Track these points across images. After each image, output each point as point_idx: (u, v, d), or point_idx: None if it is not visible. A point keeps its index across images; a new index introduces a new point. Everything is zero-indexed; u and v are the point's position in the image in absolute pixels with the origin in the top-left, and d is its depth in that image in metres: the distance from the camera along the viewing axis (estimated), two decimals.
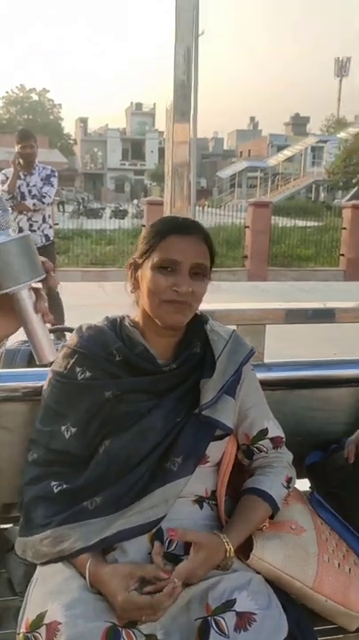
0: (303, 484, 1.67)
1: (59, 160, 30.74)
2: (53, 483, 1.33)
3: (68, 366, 1.35)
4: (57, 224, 12.95)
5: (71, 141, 59.90)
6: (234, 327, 1.57)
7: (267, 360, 1.77)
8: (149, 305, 1.32)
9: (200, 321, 1.44)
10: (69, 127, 63.76)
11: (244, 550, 1.32)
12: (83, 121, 61.90)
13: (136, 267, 1.36)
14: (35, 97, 59.48)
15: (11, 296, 0.85)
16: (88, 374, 1.33)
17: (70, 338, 1.42)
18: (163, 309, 1.30)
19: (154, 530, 1.27)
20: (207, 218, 17.16)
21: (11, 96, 58.67)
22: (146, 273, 1.32)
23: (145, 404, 1.33)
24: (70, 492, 1.32)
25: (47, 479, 1.34)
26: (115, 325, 1.41)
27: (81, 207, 24.55)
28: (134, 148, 59.20)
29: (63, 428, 1.33)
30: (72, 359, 1.35)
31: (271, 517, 1.38)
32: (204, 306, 1.45)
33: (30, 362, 1.65)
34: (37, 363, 0.89)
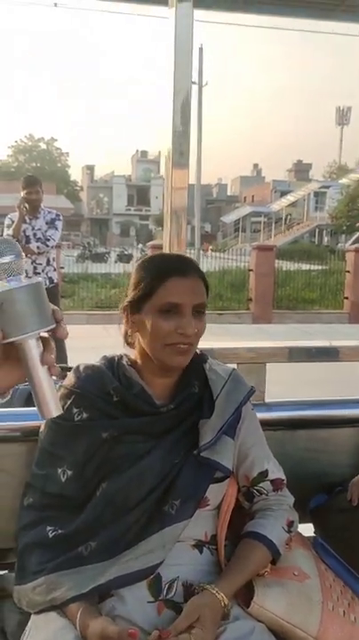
0: (307, 529, 1.62)
1: (66, 206, 31.34)
2: (49, 528, 1.30)
3: (65, 407, 1.32)
4: (63, 267, 13.08)
5: (77, 188, 61.05)
6: (234, 366, 1.55)
7: (267, 399, 1.75)
8: (152, 348, 1.30)
9: (199, 360, 1.42)
10: (76, 174, 65.00)
11: (246, 597, 1.27)
12: (90, 168, 63.20)
13: (132, 310, 1.33)
14: (43, 146, 60.93)
15: (18, 345, 0.81)
16: (85, 415, 1.31)
17: (67, 378, 1.40)
18: (166, 352, 1.29)
19: (151, 576, 1.23)
20: (212, 262, 17.32)
21: (20, 145, 60.16)
22: (146, 316, 1.29)
23: (142, 446, 1.31)
24: (65, 537, 1.28)
25: (42, 524, 1.31)
26: (113, 365, 1.39)
27: (87, 251, 24.84)
28: (139, 194, 60.18)
29: (59, 470, 1.31)
30: (69, 400, 1.33)
31: (273, 563, 1.33)
32: (204, 344, 1.44)
33: (28, 401, 1.63)
34: (40, 418, 0.83)
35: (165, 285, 1.28)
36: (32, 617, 1.24)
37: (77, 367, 1.41)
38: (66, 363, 4.75)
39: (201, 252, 18.71)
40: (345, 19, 2.51)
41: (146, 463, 1.29)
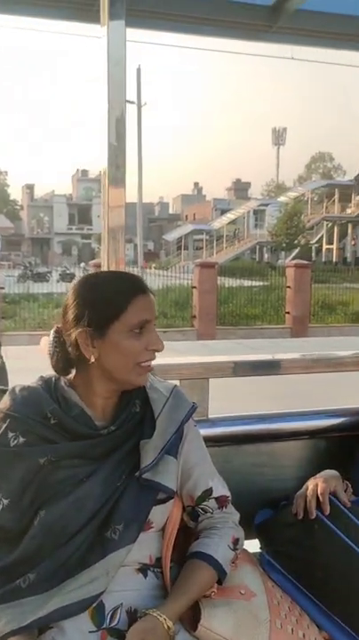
0: (253, 545, 1.60)
1: (5, 225, 30.81)
2: None
3: (0, 432, 1.26)
4: (3, 288, 12.84)
5: (17, 207, 60.27)
6: (176, 382, 1.53)
7: (211, 415, 1.73)
8: (120, 369, 1.26)
9: None
10: (16, 194, 64.16)
11: (192, 620, 1.24)
12: (30, 187, 62.57)
13: (94, 334, 1.24)
14: None
15: None
16: (21, 440, 1.25)
17: (2, 401, 1.34)
18: (136, 372, 1.26)
19: (94, 604, 1.18)
20: (155, 279, 17.35)
21: None
22: (113, 338, 1.23)
23: (82, 470, 1.25)
24: (2, 569, 1.22)
25: None
26: (50, 386, 1.34)
27: (28, 271, 24.46)
28: (81, 213, 59.88)
29: None
30: (4, 424, 1.27)
31: (219, 583, 1.30)
32: None
33: None
34: None
35: (133, 304, 1.24)
36: None
37: (13, 389, 1.35)
38: (6, 385, 4.61)
39: (143, 269, 18.69)
40: (276, 40, 2.57)
41: (86, 488, 1.24)
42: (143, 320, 1.25)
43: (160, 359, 1.61)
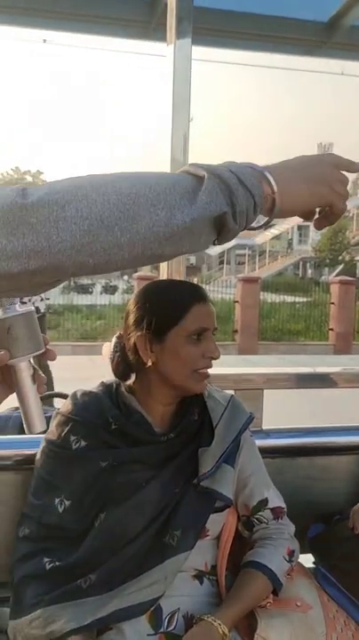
0: (306, 559, 1.59)
1: None
2: (46, 559, 1.26)
3: (62, 434, 1.30)
4: (48, 299, 13.06)
5: None
6: (231, 392, 1.54)
7: (265, 426, 1.73)
8: (178, 375, 1.27)
9: None
10: None
11: (248, 629, 1.24)
12: None
13: (153, 339, 1.27)
14: (29, 178, 61.38)
15: (11, 367, 0.87)
16: (83, 443, 1.28)
17: (64, 404, 1.38)
18: (194, 379, 1.28)
19: (152, 608, 1.20)
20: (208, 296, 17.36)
21: (5, 177, 60.55)
22: (172, 344, 1.26)
23: (141, 475, 1.28)
24: (63, 569, 1.24)
25: (39, 556, 1.27)
26: (111, 391, 1.37)
27: (71, 283, 24.80)
28: None
29: (57, 500, 1.27)
30: (66, 427, 1.31)
31: (275, 594, 1.30)
32: None
33: (22, 429, 1.60)
34: (26, 432, 0.90)
35: (192, 311, 1.26)
36: None
37: (74, 393, 1.38)
38: (52, 389, 4.71)
39: None
40: (329, 56, 2.59)
41: (145, 493, 1.26)
42: (202, 327, 1.27)
43: (217, 369, 1.63)
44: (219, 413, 1.37)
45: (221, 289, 18.51)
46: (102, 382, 1.41)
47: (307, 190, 0.81)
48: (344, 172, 0.85)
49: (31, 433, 0.89)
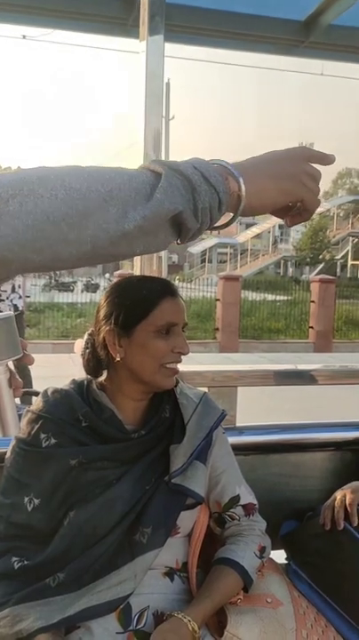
0: (279, 555, 1.60)
1: None
2: (14, 559, 1.24)
3: (32, 432, 1.28)
4: (29, 297, 12.97)
5: None
6: (205, 389, 1.54)
7: (239, 424, 1.74)
8: (146, 370, 1.27)
9: None
10: None
11: (218, 626, 1.24)
12: None
13: (121, 333, 1.27)
14: None
15: None
16: (53, 441, 1.27)
17: (35, 402, 1.36)
18: (162, 373, 1.28)
19: (121, 606, 1.19)
20: (178, 292, 17.36)
21: None
22: (139, 339, 1.26)
23: (112, 472, 1.27)
24: (32, 568, 1.23)
25: (7, 554, 1.26)
26: (82, 388, 1.36)
27: (52, 281, 24.67)
28: None
29: (26, 499, 1.26)
30: (36, 424, 1.29)
31: (245, 590, 1.30)
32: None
33: None
34: (0, 434, 0.89)
35: (161, 306, 1.27)
36: None
37: (45, 391, 1.37)
38: (31, 387, 4.68)
39: None
40: (307, 55, 2.60)
41: (115, 490, 1.25)
42: (170, 322, 1.27)
43: (186, 366, 1.63)
44: (191, 410, 1.37)
45: (203, 287, 18.56)
46: (73, 379, 1.40)
47: (275, 186, 0.79)
48: (319, 167, 0.83)
49: (5, 435, 0.88)
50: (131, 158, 1.78)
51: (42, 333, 12.81)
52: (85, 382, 1.37)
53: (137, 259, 1.73)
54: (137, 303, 1.27)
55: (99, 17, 2.18)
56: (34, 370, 5.29)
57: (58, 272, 31.11)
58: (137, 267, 1.69)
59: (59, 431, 1.28)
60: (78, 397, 1.33)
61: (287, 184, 0.80)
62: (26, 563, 1.24)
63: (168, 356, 1.27)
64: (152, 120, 1.64)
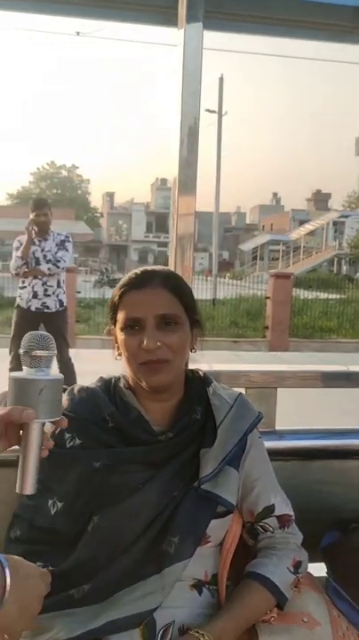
0: (319, 569, 1.50)
1: (85, 232, 31.57)
2: (38, 563, 1.19)
3: (57, 432, 1.23)
4: (79, 292, 13.12)
5: (98, 214, 61.76)
6: (242, 390, 1.45)
7: (278, 427, 1.64)
8: (130, 369, 1.23)
9: (202, 383, 1.33)
10: (96, 201, 65.74)
11: None
12: (110, 195, 63.93)
13: (113, 332, 1.27)
14: (64, 172, 61.92)
15: (26, 425, 0.91)
16: (77, 441, 1.22)
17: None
18: (141, 372, 1.21)
19: (145, 620, 1.12)
20: (228, 289, 17.25)
21: (41, 172, 61.18)
22: (119, 337, 1.24)
23: (138, 477, 1.20)
24: (56, 575, 1.17)
25: (31, 559, 1.20)
26: (109, 387, 1.30)
27: (104, 277, 24.94)
28: (158, 221, 60.58)
29: (49, 502, 1.20)
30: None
31: (280, 608, 1.21)
32: (211, 367, 1.34)
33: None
34: (16, 490, 0.94)
35: (124, 301, 1.22)
36: None
37: (72, 389, 1.32)
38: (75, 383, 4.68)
39: (217, 278, 18.61)
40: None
41: (141, 496, 1.18)
42: (132, 317, 1.20)
43: (224, 365, 1.54)
44: (224, 412, 1.28)
45: (253, 285, 18.37)
46: (101, 377, 1.34)
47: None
48: None
49: (19, 492, 0.93)
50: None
51: (92, 329, 12.92)
52: (113, 380, 1.32)
53: (175, 255, 1.66)
54: (111, 300, 1.26)
55: (143, 6, 2.11)
56: (82, 365, 5.30)
57: (110, 269, 31.48)
58: (171, 263, 1.62)
59: (84, 431, 1.22)
60: (105, 396, 1.27)
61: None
62: (50, 569, 1.19)
63: (139, 355, 1.19)
64: (188, 116, 1.56)
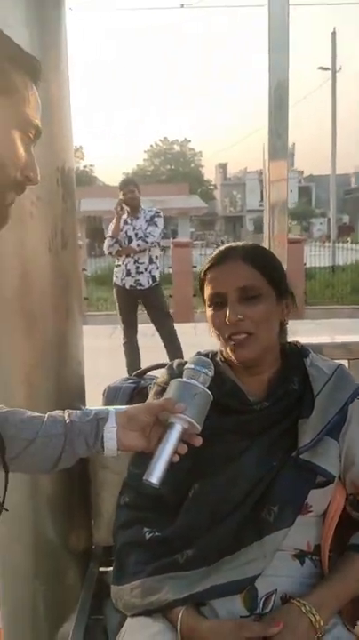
0: None
1: (199, 205, 31.68)
2: (145, 529, 1.27)
3: None
4: (195, 267, 13.22)
5: (212, 187, 61.62)
6: (344, 362, 1.42)
7: None
8: (221, 344, 1.27)
9: (299, 355, 1.32)
10: (209, 173, 65.54)
11: (353, 616, 1.15)
12: (223, 166, 63.38)
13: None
14: (177, 148, 62.30)
15: (169, 424, 1.02)
16: None
17: (161, 374, 1.37)
18: (229, 347, 1.24)
19: (248, 586, 1.15)
20: (348, 254, 16.57)
21: (154, 149, 62.00)
22: (207, 313, 1.28)
23: (236, 446, 1.23)
24: (161, 540, 1.25)
25: (138, 524, 1.29)
26: None
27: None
28: None
29: None
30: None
31: None
32: (312, 339, 1.33)
33: (131, 400, 1.62)
34: (144, 478, 1.02)
35: (208, 278, 1.27)
36: (127, 620, 1.22)
37: (171, 364, 1.37)
38: (181, 356, 4.75)
39: (337, 244, 17.90)
40: None
41: (240, 465, 1.21)
42: (215, 293, 1.24)
43: (327, 337, 1.51)
44: (322, 383, 1.27)
45: None
46: (198, 352, 1.37)
47: None
48: None
49: (146, 478, 1.01)
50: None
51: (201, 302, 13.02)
52: (210, 355, 1.34)
53: (270, 224, 1.63)
54: (199, 278, 1.32)
55: None
56: (194, 339, 5.34)
57: (225, 240, 31.38)
58: (265, 232, 1.60)
59: None
60: None
61: None
62: (156, 534, 1.25)
63: (224, 329, 1.23)
64: (276, 72, 1.50)
